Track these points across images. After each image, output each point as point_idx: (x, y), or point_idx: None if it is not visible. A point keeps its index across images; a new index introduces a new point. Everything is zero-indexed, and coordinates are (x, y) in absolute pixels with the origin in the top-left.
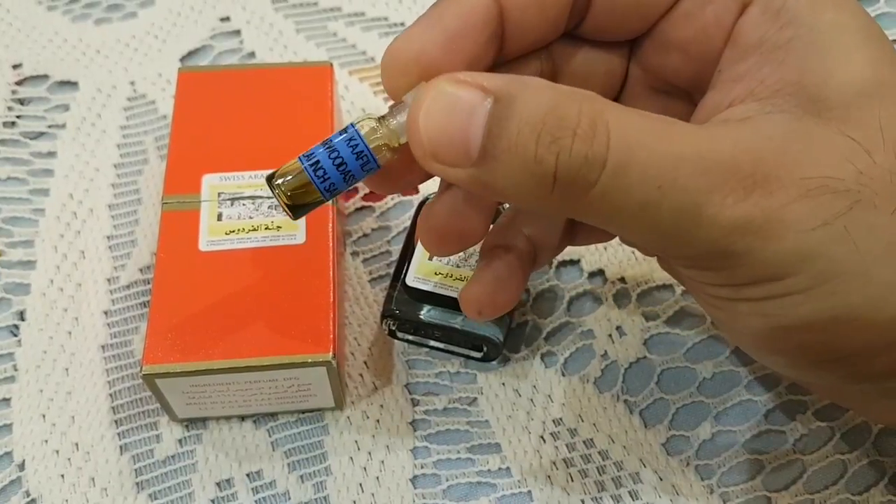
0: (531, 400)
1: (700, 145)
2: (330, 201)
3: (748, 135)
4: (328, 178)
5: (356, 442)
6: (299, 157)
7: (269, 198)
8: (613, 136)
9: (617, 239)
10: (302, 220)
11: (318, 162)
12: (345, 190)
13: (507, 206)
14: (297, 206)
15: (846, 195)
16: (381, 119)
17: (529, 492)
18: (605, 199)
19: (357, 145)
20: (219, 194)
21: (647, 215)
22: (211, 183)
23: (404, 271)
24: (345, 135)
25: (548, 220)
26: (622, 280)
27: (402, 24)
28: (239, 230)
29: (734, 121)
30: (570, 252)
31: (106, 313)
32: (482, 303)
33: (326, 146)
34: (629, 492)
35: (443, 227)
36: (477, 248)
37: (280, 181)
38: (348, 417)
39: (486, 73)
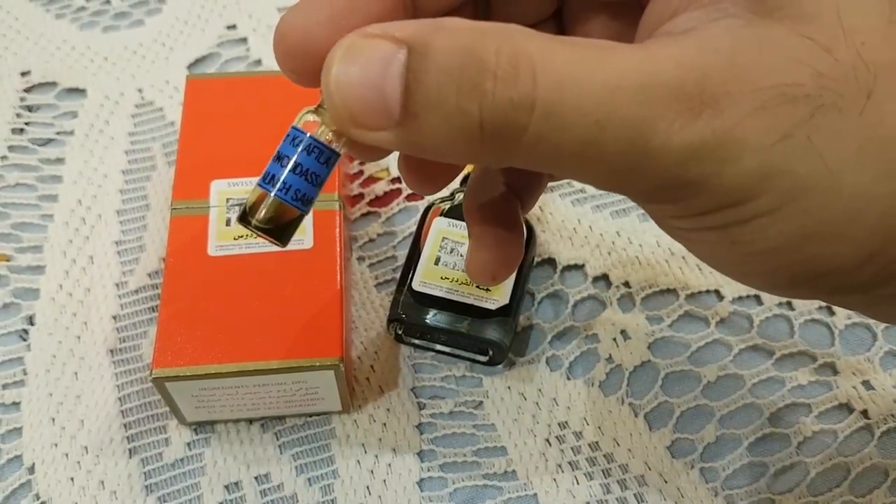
0: (536, 403)
1: (639, 70)
2: (338, 206)
3: (691, 50)
4: (299, 192)
5: (363, 445)
6: (259, 184)
7: None
8: (539, 72)
9: (622, 244)
10: (310, 226)
11: (280, 180)
12: (317, 193)
13: None
14: (280, 233)
15: (806, 101)
16: (318, 108)
17: (535, 494)
18: (541, 142)
19: (310, 146)
20: (227, 200)
21: (589, 154)
22: (219, 189)
23: (410, 276)
24: (294, 141)
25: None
26: (626, 284)
27: None
28: (247, 235)
29: (677, 33)
30: (574, 257)
31: (115, 318)
32: (495, 266)
33: (281, 161)
34: (634, 494)
35: (423, 165)
36: None
37: (253, 218)
38: (355, 421)
39: (398, 21)
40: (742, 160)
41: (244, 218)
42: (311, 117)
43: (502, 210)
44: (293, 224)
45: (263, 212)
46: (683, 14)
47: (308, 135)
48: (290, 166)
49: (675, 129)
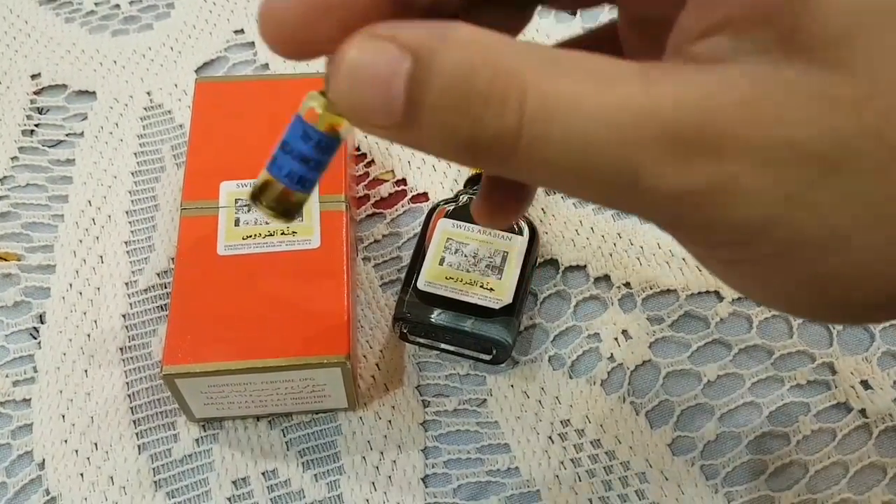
0: (539, 401)
1: (637, 106)
2: (345, 207)
3: (702, 87)
4: (303, 178)
5: (368, 442)
6: (266, 168)
7: None
8: (530, 104)
9: (623, 245)
10: (317, 226)
11: (286, 169)
12: (320, 177)
13: None
14: (286, 211)
15: (818, 160)
16: (321, 94)
17: (538, 491)
18: (528, 167)
19: (308, 135)
20: (236, 201)
21: (580, 182)
22: (228, 190)
23: (415, 276)
24: (296, 130)
25: None
26: (627, 285)
27: None
28: (256, 235)
29: (700, 62)
30: (576, 258)
31: (124, 316)
32: (493, 211)
33: (284, 148)
34: (636, 491)
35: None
36: (485, 252)
37: (261, 197)
38: (361, 418)
39: (408, 22)
40: (736, 209)
41: (255, 198)
42: (312, 104)
43: None
44: (298, 205)
45: (270, 196)
46: (715, 36)
47: (310, 125)
48: (292, 155)
49: (667, 172)
